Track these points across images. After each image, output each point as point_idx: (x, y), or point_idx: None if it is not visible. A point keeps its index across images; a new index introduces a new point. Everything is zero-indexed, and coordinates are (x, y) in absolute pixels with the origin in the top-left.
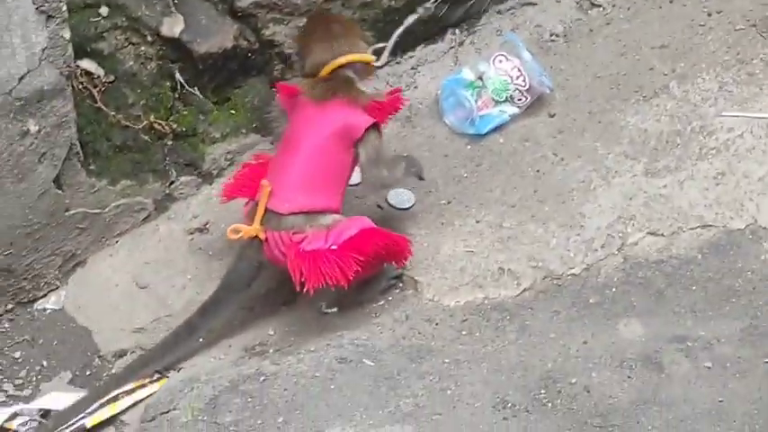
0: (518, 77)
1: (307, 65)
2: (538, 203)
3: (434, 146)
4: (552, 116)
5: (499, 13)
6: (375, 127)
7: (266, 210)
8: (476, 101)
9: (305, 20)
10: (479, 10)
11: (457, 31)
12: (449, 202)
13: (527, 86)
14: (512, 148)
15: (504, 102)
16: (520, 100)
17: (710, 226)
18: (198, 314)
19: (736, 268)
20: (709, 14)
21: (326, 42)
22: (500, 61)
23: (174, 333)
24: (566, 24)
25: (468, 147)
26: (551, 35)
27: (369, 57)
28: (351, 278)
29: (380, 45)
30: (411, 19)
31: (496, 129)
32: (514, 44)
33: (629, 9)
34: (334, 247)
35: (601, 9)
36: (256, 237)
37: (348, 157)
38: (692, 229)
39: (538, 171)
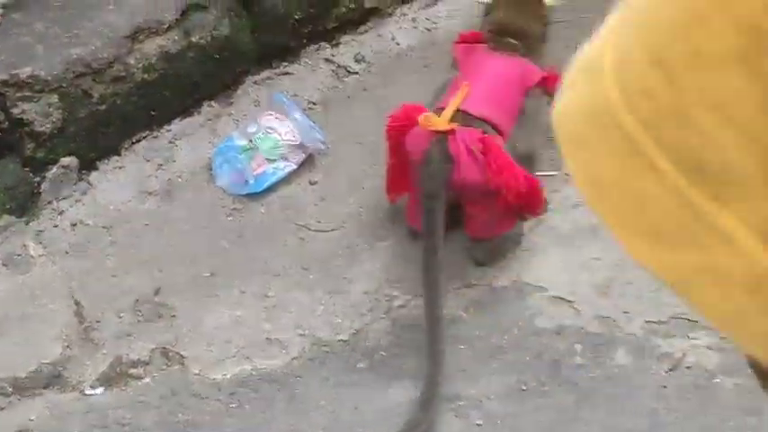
0: (288, 134)
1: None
2: (302, 271)
3: (194, 218)
4: (314, 184)
5: (256, 83)
6: (545, 89)
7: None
8: (249, 163)
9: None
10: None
11: (214, 103)
12: (212, 275)
13: (298, 142)
14: (274, 218)
15: (277, 160)
16: (293, 157)
17: (475, 285)
18: (427, 232)
19: (502, 325)
20: None
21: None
22: (268, 121)
23: (423, 260)
24: (323, 92)
25: (230, 218)
26: (309, 103)
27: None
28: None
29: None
30: None
31: (260, 195)
32: (282, 103)
33: (384, 75)
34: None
35: (357, 76)
36: (443, 133)
37: (520, 101)
38: (456, 288)
39: (301, 239)
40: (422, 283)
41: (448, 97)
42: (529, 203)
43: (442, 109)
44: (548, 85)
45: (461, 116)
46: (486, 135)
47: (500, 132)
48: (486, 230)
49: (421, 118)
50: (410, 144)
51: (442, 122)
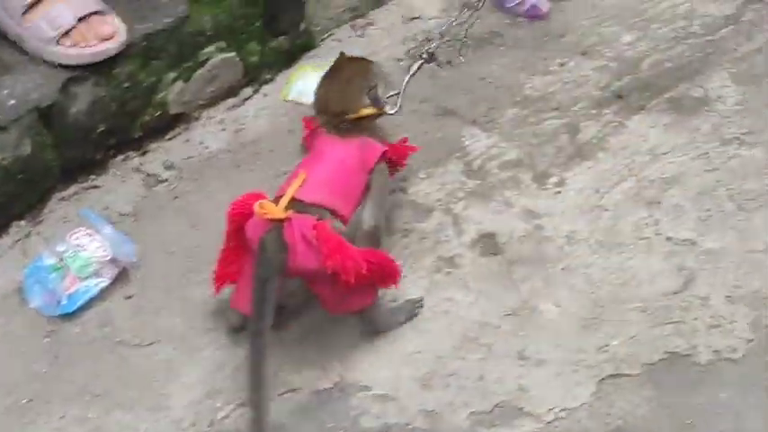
0: (99, 250)
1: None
2: (122, 389)
3: (9, 343)
4: (129, 298)
5: (63, 199)
6: (387, 164)
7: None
8: (61, 282)
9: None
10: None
11: (22, 222)
12: (29, 401)
13: (110, 257)
14: (90, 337)
15: (89, 277)
16: (106, 273)
17: (299, 389)
18: (255, 320)
19: (326, 429)
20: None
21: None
22: (77, 238)
23: (250, 343)
24: (133, 203)
25: (46, 340)
26: (120, 215)
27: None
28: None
29: (393, 93)
30: (416, 66)
31: (74, 314)
32: (89, 219)
33: (195, 180)
34: None
35: (166, 183)
36: (279, 221)
37: (363, 181)
38: (279, 395)
39: (120, 356)
40: (247, 365)
41: (285, 185)
42: (384, 275)
43: (281, 197)
44: (389, 159)
45: (297, 204)
46: (320, 221)
47: (339, 217)
48: (340, 307)
49: (256, 206)
50: (249, 231)
51: (277, 210)
